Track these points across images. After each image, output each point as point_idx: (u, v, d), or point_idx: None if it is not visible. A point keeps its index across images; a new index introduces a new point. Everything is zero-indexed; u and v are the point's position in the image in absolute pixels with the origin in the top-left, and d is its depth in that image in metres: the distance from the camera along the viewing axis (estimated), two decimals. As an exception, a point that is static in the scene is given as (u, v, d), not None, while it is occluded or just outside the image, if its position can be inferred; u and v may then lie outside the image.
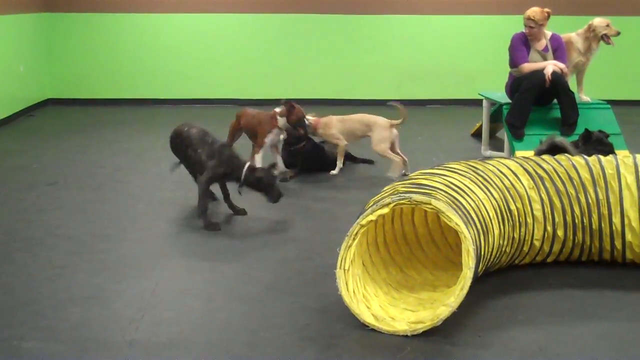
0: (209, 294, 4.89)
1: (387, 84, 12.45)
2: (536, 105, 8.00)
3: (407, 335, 4.25)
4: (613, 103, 8.74)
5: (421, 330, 4.24)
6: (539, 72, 7.81)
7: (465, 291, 4.31)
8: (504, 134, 8.37)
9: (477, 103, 9.40)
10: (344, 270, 4.39)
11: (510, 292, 4.94)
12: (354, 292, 4.40)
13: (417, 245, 5.27)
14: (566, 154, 5.63)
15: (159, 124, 10.77)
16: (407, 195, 4.46)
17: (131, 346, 4.13)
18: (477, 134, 9.45)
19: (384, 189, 4.93)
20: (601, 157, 5.50)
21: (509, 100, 8.20)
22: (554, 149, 5.90)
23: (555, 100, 8.02)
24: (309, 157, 7.94)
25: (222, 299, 4.81)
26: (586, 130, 6.72)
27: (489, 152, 8.61)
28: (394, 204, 4.43)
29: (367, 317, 4.35)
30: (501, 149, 8.47)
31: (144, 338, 4.23)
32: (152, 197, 7.08)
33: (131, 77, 12.46)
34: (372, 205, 4.58)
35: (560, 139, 6.24)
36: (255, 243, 5.86)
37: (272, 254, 5.62)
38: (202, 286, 5.02)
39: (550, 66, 7.82)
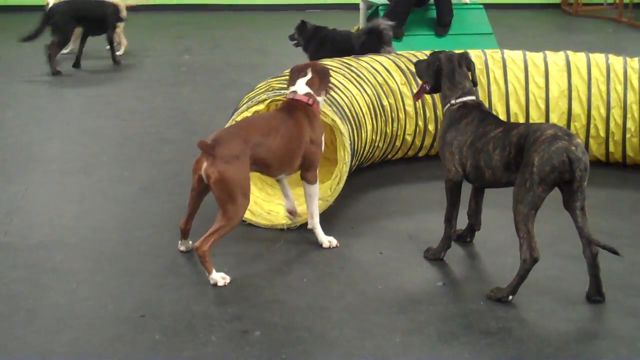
0: (82, 196, 4.81)
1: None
2: (413, 7, 8.04)
3: (283, 229, 4.32)
4: (488, 6, 8.88)
5: (299, 224, 4.31)
6: None
7: (342, 185, 4.39)
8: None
9: (356, 7, 9.36)
10: (220, 165, 4.35)
11: (382, 186, 5.06)
12: (229, 188, 4.39)
13: (292, 143, 5.29)
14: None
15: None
16: (282, 92, 4.45)
17: (-1, 249, 4.05)
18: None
19: (258, 85, 4.91)
20: (470, 52, 5.60)
21: (385, 2, 8.20)
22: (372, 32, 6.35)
23: (431, 1, 8.09)
24: None
25: (95, 201, 4.74)
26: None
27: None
28: (270, 100, 4.42)
29: (243, 213, 4.38)
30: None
31: (13, 241, 4.13)
32: (23, 104, 6.85)
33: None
34: (246, 102, 4.55)
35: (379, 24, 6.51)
36: (129, 145, 5.77)
37: (148, 155, 5.54)
38: (75, 189, 4.93)
39: None
